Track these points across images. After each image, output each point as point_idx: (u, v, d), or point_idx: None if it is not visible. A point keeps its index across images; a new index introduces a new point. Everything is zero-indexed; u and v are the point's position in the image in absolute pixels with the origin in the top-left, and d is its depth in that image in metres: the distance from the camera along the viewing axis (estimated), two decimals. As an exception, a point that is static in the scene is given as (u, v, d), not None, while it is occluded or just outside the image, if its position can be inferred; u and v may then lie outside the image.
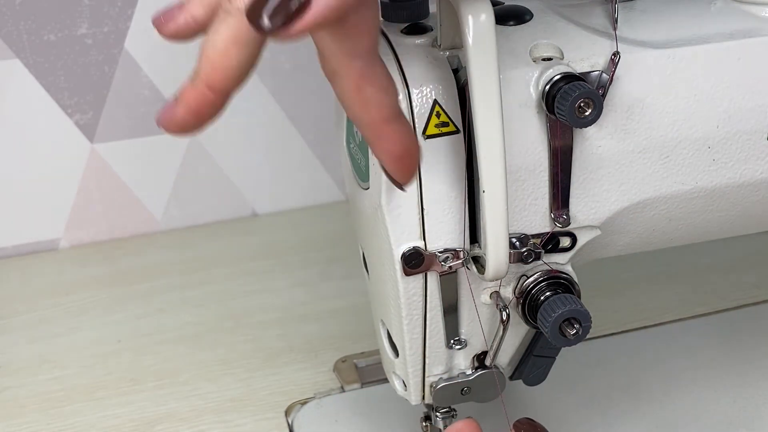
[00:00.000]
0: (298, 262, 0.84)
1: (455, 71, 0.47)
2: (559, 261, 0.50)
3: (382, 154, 0.42)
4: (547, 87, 0.46)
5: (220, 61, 0.39)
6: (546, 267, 0.50)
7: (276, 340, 0.73)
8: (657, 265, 0.79)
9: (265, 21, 0.36)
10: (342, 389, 0.67)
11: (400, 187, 0.44)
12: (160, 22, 0.41)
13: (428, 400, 0.54)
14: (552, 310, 0.48)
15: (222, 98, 0.39)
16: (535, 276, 0.50)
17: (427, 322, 0.51)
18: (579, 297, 0.50)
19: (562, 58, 0.47)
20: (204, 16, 0.40)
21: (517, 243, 0.48)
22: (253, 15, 0.36)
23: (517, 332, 0.52)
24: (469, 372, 0.53)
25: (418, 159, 0.43)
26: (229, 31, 0.38)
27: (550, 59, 0.47)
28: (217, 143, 0.88)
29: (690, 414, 0.63)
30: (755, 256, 0.80)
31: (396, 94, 0.41)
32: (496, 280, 0.48)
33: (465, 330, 0.52)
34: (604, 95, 0.46)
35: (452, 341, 0.52)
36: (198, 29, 0.40)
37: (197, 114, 0.40)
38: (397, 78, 0.46)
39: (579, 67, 0.47)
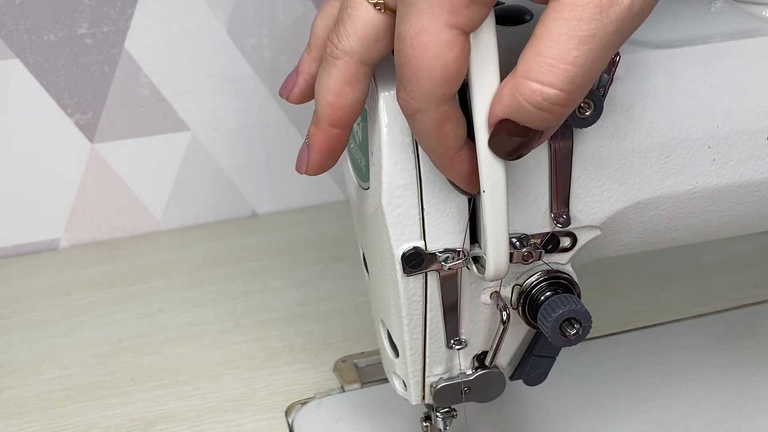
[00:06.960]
0: (298, 262, 0.84)
1: (455, 71, 0.46)
2: (559, 261, 0.50)
3: (454, 175, 0.44)
4: (547, 87, 0.46)
5: (338, 102, 0.43)
6: (546, 267, 0.50)
7: (276, 340, 0.73)
8: (657, 265, 0.79)
9: (504, 155, 0.41)
10: (342, 389, 0.67)
11: (470, 195, 0.46)
12: (286, 94, 0.47)
13: (428, 400, 0.54)
14: (552, 310, 0.48)
15: (347, 131, 0.44)
16: (536, 276, 0.50)
17: (427, 322, 0.51)
18: (579, 297, 0.50)
19: (562, 58, 0.47)
20: (318, 69, 0.44)
21: (517, 243, 0.48)
22: (493, 146, 0.41)
23: (517, 332, 0.52)
24: (469, 372, 0.53)
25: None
26: (340, 73, 0.42)
27: (550, 59, 0.47)
28: (217, 143, 0.88)
29: (690, 413, 0.63)
30: (755, 256, 0.80)
31: (465, 121, 0.43)
32: (496, 280, 0.48)
33: (465, 330, 0.52)
34: (604, 95, 0.46)
35: (452, 341, 0.52)
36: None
37: (330, 151, 0.44)
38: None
39: (579, 67, 0.47)
